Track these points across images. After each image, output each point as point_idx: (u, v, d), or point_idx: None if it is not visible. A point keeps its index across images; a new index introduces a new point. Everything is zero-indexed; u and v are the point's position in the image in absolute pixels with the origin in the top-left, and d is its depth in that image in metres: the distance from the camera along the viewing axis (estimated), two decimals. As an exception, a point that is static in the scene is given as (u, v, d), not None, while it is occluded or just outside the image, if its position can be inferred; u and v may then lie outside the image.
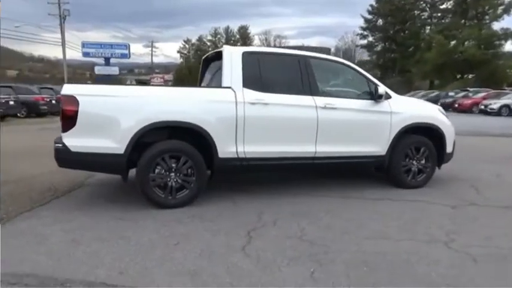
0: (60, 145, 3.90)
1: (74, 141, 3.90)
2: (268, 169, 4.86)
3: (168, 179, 4.16)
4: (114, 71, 34.02)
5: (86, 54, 33.73)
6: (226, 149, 4.30)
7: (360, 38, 60.40)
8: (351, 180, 5.58)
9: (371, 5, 54.50)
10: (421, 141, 5.21)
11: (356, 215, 4.12)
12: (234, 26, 75.37)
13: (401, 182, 5.16)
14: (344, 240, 3.45)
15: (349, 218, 4.02)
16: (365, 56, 64.20)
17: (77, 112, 3.85)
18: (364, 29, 57.61)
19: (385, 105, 4.98)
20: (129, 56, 35.07)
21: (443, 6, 48.09)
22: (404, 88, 44.10)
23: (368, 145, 4.91)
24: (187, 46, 72.47)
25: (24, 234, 3.51)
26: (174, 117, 4.10)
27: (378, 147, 4.96)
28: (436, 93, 33.37)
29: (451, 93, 30.94)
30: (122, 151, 3.94)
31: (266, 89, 4.50)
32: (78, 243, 3.29)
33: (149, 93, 4.22)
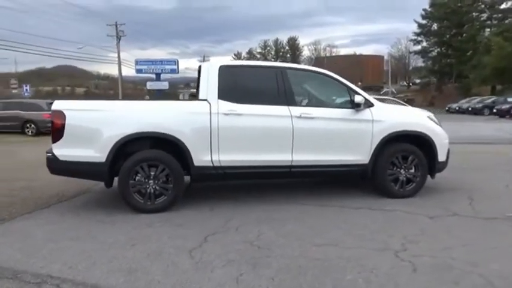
0: (50, 154, 4.40)
1: (62, 151, 4.37)
2: (245, 177, 5.03)
3: (147, 186, 4.49)
4: (164, 85, 35.84)
5: (138, 71, 35.97)
6: (201, 157, 4.55)
7: (414, 44, 58.33)
8: (342, 189, 5.58)
9: (424, 10, 52.54)
10: (408, 149, 5.10)
11: (322, 223, 4.16)
12: (285, 38, 76.20)
13: (389, 191, 5.08)
14: (293, 246, 3.53)
15: (313, 226, 4.08)
16: (419, 62, 61.82)
17: (64, 125, 4.32)
18: (417, 34, 55.59)
19: (366, 113, 4.96)
20: (178, 71, 36.76)
21: (503, 6, 45.10)
22: (461, 94, 41.74)
23: (348, 154, 4.91)
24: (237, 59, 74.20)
25: (13, 232, 4.01)
26: (149, 128, 4.44)
27: (359, 155, 4.94)
28: (492, 99, 31.23)
29: (510, 99, 28.78)
30: (103, 160, 4.35)
31: (241, 100, 4.71)
32: (53, 241, 3.70)
33: (128, 107, 4.63)
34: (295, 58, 73.58)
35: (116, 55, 37.60)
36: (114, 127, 4.37)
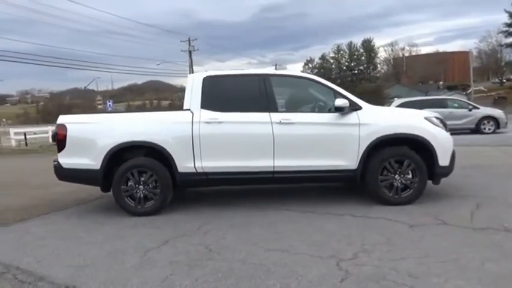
0: (56, 163, 5.00)
1: (65, 159, 4.95)
2: (228, 183, 5.15)
3: (137, 191, 4.87)
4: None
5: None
6: (185, 164, 4.81)
7: (505, 36, 52.71)
8: (337, 195, 5.44)
9: (515, -3, 47.19)
10: (403, 153, 4.80)
11: (291, 229, 4.13)
12: (360, 40, 73.94)
13: (382, 198, 4.82)
14: (243, 250, 3.58)
15: (280, 232, 4.07)
16: (513, 56, 55.55)
17: (65, 136, 4.90)
18: (509, 25, 50.17)
19: (352, 117, 4.79)
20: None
21: None
22: None
23: (333, 159, 4.78)
24: (310, 66, 73.89)
25: (16, 231, 4.62)
26: (136, 138, 4.82)
27: (346, 161, 4.78)
28: None
29: None
30: (98, 167, 4.82)
31: (224, 108, 4.88)
32: (42, 239, 4.22)
33: (119, 119, 5.08)
34: (370, 60, 71.02)
35: (199, 68, 39.87)
36: (106, 138, 4.82)
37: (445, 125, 5.14)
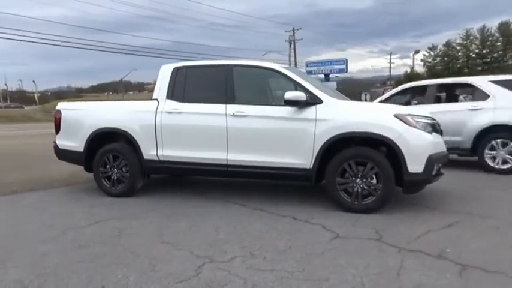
0: (54, 143, 5.70)
1: (60, 141, 5.61)
2: (185, 173, 5.17)
3: (112, 174, 5.27)
4: (333, 85, 36.09)
5: (309, 72, 37.29)
6: (149, 152, 5.02)
7: None
8: (311, 197, 5.03)
9: None
10: (364, 155, 4.21)
11: (213, 225, 4.02)
12: (495, 24, 64.18)
13: (340, 203, 4.34)
14: (141, 239, 3.63)
15: (197, 225, 4.00)
16: None
17: (60, 120, 5.55)
18: None
19: (310, 112, 4.37)
20: (346, 71, 36.17)
21: None
22: None
23: (287, 156, 4.44)
24: (432, 54, 67.00)
25: (11, 199, 5.38)
26: (109, 124, 5.19)
27: (299, 159, 4.40)
28: None
29: None
30: (81, 149, 5.36)
31: (187, 99, 4.93)
32: (17, 208, 4.88)
33: (100, 107, 5.51)
34: (508, 47, 61.01)
35: (302, 59, 39.96)
36: (89, 124, 5.31)
37: (434, 128, 4.34)
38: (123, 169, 5.21)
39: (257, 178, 4.96)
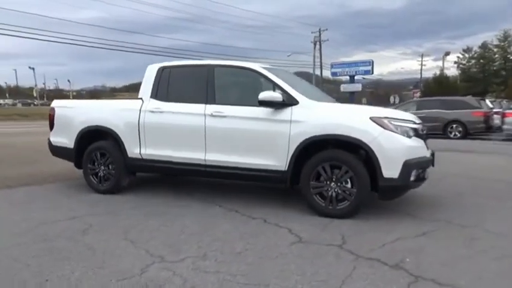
0: (48, 140, 5.88)
1: (54, 137, 5.78)
2: (167, 172, 5.18)
3: (99, 170, 5.38)
4: (357, 87, 35.35)
5: (333, 74, 36.78)
6: (133, 150, 5.09)
7: None
8: (291, 201, 4.94)
9: None
10: (339, 158, 4.09)
11: (182, 224, 4.02)
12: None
13: (315, 208, 4.23)
14: (103, 235, 3.69)
15: (167, 225, 3.98)
16: None
17: (54, 117, 5.72)
18: None
19: (286, 113, 4.28)
20: (372, 72, 35.46)
21: None
22: None
23: (262, 157, 4.38)
24: (466, 56, 64.42)
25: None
26: (97, 122, 5.29)
27: (275, 161, 4.32)
28: None
29: None
30: (72, 146, 5.50)
31: (170, 98, 4.95)
32: (4, 202, 5.04)
33: (89, 105, 5.63)
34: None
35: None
36: (78, 121, 5.44)
37: (417, 132, 4.16)
38: (110, 166, 5.31)
39: (235, 179, 4.91)
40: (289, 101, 4.29)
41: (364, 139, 3.93)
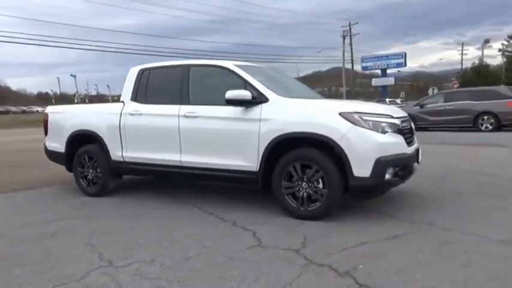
0: (44, 145, 6.05)
1: (48, 142, 5.94)
2: (148, 174, 5.14)
3: (87, 174, 5.47)
4: (390, 81, 34.24)
5: (364, 68, 35.82)
6: (115, 152, 5.12)
7: None
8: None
9: None
10: (308, 157, 3.88)
11: (149, 226, 3.99)
12: None
13: (287, 209, 4.05)
14: (64, 237, 3.75)
15: (134, 227, 3.97)
16: None
17: (47, 123, 5.88)
18: None
19: (255, 111, 4.13)
20: (405, 65, 34.16)
21: None
22: None
23: (234, 158, 4.25)
24: (511, 42, 60.47)
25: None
26: (83, 126, 5.37)
27: (246, 161, 4.18)
28: None
29: None
30: (63, 150, 5.63)
31: (148, 100, 4.94)
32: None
33: (77, 110, 5.73)
34: None
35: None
36: (68, 126, 5.55)
37: (394, 127, 3.87)
38: (97, 170, 5.37)
39: (210, 181, 4.80)
40: (260, 99, 4.13)
41: (333, 136, 3.70)
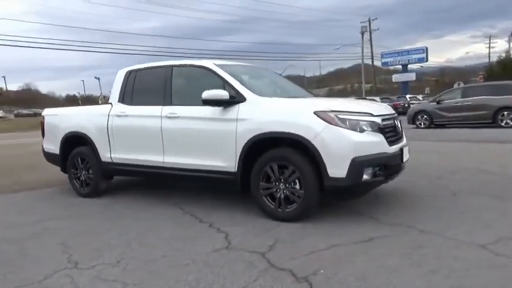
0: (41, 147, 6.18)
1: (45, 144, 6.07)
2: (135, 175, 5.16)
3: (80, 175, 5.55)
4: (411, 77, 33.38)
5: (384, 64, 35.03)
6: (104, 154, 5.17)
7: None
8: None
9: None
10: (284, 157, 3.79)
11: (127, 226, 4.00)
12: None
13: (265, 211, 3.98)
14: (43, 236, 3.81)
15: (115, 228, 4.00)
16: None
17: (44, 125, 6.00)
18: None
19: (233, 111, 4.07)
20: (427, 60, 33.16)
21: None
22: None
23: (213, 158, 4.20)
24: (543, 34, 57.85)
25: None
26: (74, 128, 5.45)
27: (224, 161, 4.12)
28: None
29: None
30: (57, 152, 5.74)
31: (134, 102, 4.96)
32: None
33: (70, 112, 5.81)
34: None
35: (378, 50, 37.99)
36: (62, 128, 5.65)
37: (375, 126, 3.73)
38: (89, 171, 5.44)
39: (191, 182, 4.78)
40: (238, 99, 4.07)
41: (307, 135, 3.60)
